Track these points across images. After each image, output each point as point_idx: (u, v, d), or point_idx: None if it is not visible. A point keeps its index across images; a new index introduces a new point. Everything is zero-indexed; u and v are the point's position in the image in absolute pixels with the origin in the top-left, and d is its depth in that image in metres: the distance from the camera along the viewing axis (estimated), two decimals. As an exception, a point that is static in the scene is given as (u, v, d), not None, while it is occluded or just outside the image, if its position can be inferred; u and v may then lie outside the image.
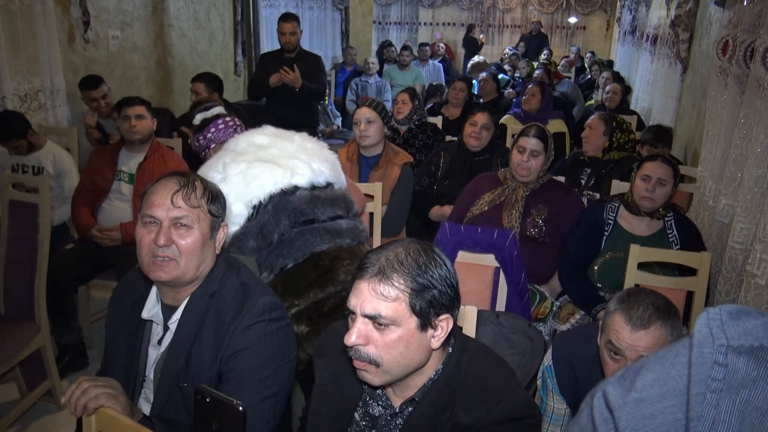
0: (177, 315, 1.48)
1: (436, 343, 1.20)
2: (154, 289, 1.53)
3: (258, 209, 1.92)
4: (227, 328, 1.43)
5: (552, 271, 2.72)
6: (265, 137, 2.05)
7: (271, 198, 1.92)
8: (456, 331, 1.26)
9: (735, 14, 2.74)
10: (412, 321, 1.15)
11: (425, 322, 1.16)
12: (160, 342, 1.51)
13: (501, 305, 2.27)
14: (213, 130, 2.34)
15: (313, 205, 1.95)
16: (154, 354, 1.52)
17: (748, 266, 2.21)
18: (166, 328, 1.51)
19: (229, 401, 0.79)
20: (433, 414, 1.20)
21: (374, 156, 3.12)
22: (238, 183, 1.89)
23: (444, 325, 1.20)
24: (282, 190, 1.92)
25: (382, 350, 1.15)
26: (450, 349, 1.27)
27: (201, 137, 2.37)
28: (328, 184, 2.05)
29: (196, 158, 3.68)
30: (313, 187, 1.99)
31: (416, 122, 3.93)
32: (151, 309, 1.52)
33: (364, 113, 3.06)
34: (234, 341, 1.42)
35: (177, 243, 1.41)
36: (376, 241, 2.73)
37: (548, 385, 1.76)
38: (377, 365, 1.16)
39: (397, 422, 1.27)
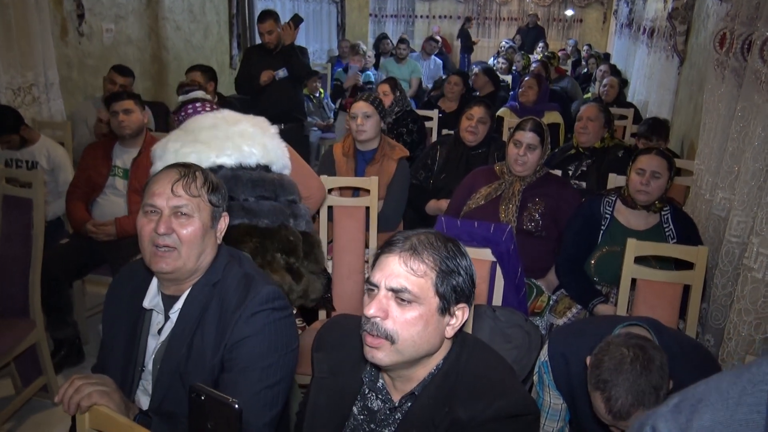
0: (179, 304, 1.48)
1: (450, 331, 1.21)
2: (155, 280, 1.52)
3: None
4: (231, 316, 1.43)
5: (549, 265, 2.72)
6: (213, 119, 2.15)
7: None
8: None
9: (732, 7, 2.72)
10: (434, 302, 1.17)
11: (446, 306, 1.18)
12: (160, 332, 1.51)
13: (498, 300, 2.27)
14: (183, 114, 2.36)
15: (233, 183, 2.02)
16: (153, 344, 1.52)
17: (744, 260, 2.20)
18: (166, 318, 1.50)
19: (224, 399, 0.78)
20: (432, 408, 1.20)
21: (370, 150, 3.10)
22: (169, 161, 1.90)
23: (460, 314, 1.22)
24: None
25: (400, 326, 1.15)
26: (450, 345, 1.27)
27: (176, 119, 2.40)
28: (260, 166, 2.10)
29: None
30: (241, 168, 2.06)
31: (397, 114, 3.88)
32: (153, 299, 1.52)
33: (361, 107, 3.02)
34: (238, 329, 1.42)
35: (177, 232, 1.42)
36: (373, 236, 2.72)
37: (544, 380, 1.76)
38: (392, 341, 1.15)
39: (396, 417, 1.26)
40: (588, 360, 1.52)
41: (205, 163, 1.98)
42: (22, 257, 2.49)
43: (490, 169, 2.86)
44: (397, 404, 1.26)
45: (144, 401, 1.51)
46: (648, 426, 0.65)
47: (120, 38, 4.73)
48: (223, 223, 1.55)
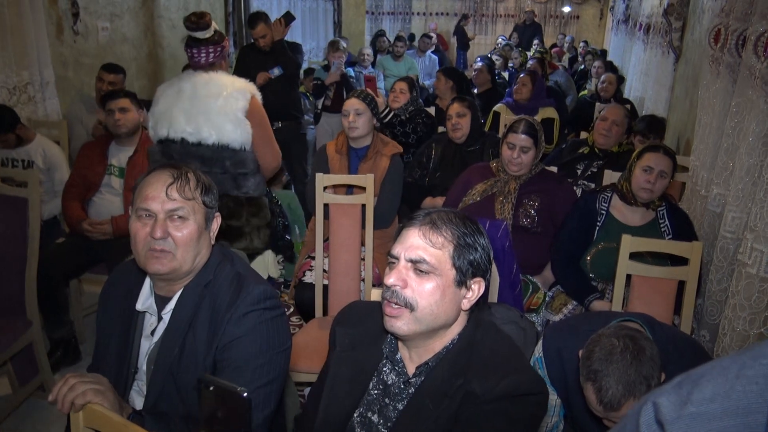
0: (171, 305, 1.48)
1: (466, 303, 1.27)
2: (147, 281, 1.52)
3: (159, 143, 2.68)
4: (222, 317, 1.43)
5: (544, 261, 2.72)
6: (195, 84, 2.59)
7: (160, 141, 2.66)
8: (473, 307, 1.32)
9: (727, 2, 2.73)
10: (451, 273, 1.22)
11: (462, 279, 1.24)
12: (153, 333, 1.51)
13: (493, 296, 2.27)
14: (188, 53, 2.67)
15: (187, 157, 2.57)
16: (146, 345, 1.52)
17: (739, 255, 2.21)
18: (159, 319, 1.50)
19: (232, 388, 0.79)
20: (446, 380, 1.24)
21: (363, 147, 3.09)
22: (155, 113, 2.65)
23: (476, 288, 1.27)
24: (170, 138, 2.61)
25: (418, 295, 1.21)
26: (466, 322, 1.32)
27: (186, 52, 2.71)
28: (216, 145, 2.58)
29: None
30: (199, 144, 2.58)
31: (411, 112, 3.90)
32: (145, 301, 1.52)
33: (353, 104, 3.02)
34: (229, 330, 1.42)
35: (173, 235, 1.42)
36: (368, 233, 2.72)
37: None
38: (412, 309, 1.21)
39: (409, 391, 1.30)
40: (580, 353, 1.52)
41: (172, 135, 2.59)
42: (18, 257, 2.48)
43: (486, 166, 2.86)
44: (411, 377, 1.30)
45: (138, 401, 1.52)
46: (649, 402, 0.67)
47: (115, 37, 4.72)
48: (216, 223, 1.55)
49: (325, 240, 2.79)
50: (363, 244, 2.74)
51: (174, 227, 1.42)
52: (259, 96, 2.74)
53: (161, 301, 1.51)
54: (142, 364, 1.51)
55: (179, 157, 2.58)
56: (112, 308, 1.57)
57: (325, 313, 2.72)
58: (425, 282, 1.21)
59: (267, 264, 3.35)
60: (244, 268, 1.56)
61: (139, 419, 1.31)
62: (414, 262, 1.21)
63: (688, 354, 1.67)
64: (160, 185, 1.43)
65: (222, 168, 2.61)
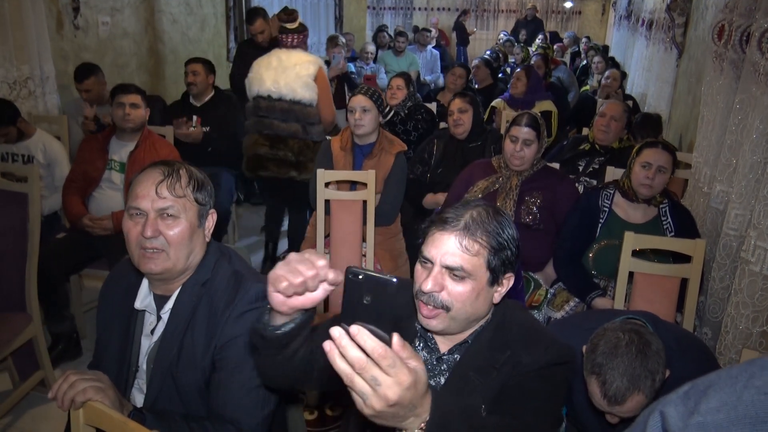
0: (169, 305, 1.48)
1: (497, 297, 1.31)
2: (145, 280, 1.51)
3: (253, 99, 3.66)
4: (220, 316, 1.42)
5: (547, 258, 2.71)
6: (278, 58, 3.60)
7: (254, 98, 3.64)
8: None
9: (731, -2, 2.71)
10: (485, 276, 1.25)
11: (495, 278, 1.27)
12: (152, 332, 1.51)
13: (495, 293, 2.26)
14: (281, 39, 3.69)
15: (271, 108, 3.57)
16: (146, 344, 1.51)
17: (742, 253, 2.20)
18: (158, 318, 1.50)
19: (382, 277, 0.84)
20: (490, 353, 1.28)
21: (368, 144, 3.07)
22: (247, 80, 3.70)
23: (506, 282, 1.31)
24: (260, 95, 3.59)
25: (454, 298, 1.23)
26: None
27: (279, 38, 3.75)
28: (291, 100, 3.54)
29: (187, 146, 3.67)
30: (279, 99, 3.54)
31: (409, 108, 3.89)
32: (144, 299, 1.51)
33: (360, 101, 2.99)
34: (228, 329, 1.41)
35: (164, 234, 1.40)
36: (370, 230, 2.71)
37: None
38: (448, 310, 1.24)
39: (442, 368, 1.32)
40: (584, 348, 1.52)
41: (260, 90, 3.58)
42: (19, 252, 2.48)
43: (488, 163, 2.85)
44: (445, 353, 1.33)
45: (139, 399, 1.51)
46: (657, 411, 0.66)
47: (116, 31, 4.71)
48: (211, 220, 1.53)
49: (326, 236, 2.78)
50: (364, 240, 2.73)
51: (165, 226, 1.41)
52: (325, 68, 3.73)
53: (160, 300, 1.50)
54: (143, 363, 1.51)
55: (266, 108, 3.56)
56: (112, 306, 1.57)
57: (325, 309, 2.71)
58: (460, 285, 1.23)
59: None
60: (242, 266, 1.54)
61: (139, 416, 1.30)
62: (450, 269, 1.23)
63: (691, 352, 1.66)
64: (150, 183, 1.41)
65: (296, 118, 3.54)
